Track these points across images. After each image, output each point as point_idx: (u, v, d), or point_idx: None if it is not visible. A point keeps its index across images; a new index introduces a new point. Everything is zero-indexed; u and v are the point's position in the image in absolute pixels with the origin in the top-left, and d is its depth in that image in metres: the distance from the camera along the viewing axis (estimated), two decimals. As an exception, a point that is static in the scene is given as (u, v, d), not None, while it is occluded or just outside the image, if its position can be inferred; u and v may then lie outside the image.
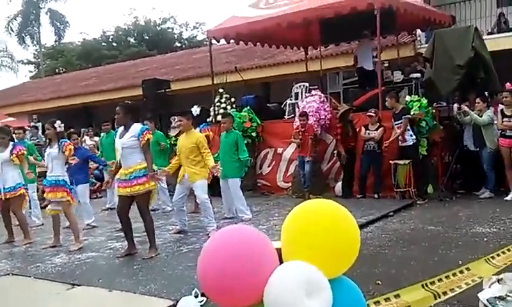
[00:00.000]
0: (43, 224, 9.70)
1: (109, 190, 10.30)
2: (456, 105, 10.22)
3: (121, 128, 6.74)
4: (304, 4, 11.20)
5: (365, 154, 10.11)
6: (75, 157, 7.81)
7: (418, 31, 14.10)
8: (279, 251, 1.88)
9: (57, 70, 38.10)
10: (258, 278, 1.73)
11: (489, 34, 13.99)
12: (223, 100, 12.66)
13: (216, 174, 7.85)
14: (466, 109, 9.52)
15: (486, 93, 9.94)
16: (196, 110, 10.23)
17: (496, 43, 12.46)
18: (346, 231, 1.89)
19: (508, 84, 10.02)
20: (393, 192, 9.73)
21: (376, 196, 9.95)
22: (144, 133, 6.55)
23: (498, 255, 2.84)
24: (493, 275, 3.18)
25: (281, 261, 1.84)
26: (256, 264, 1.73)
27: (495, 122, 9.31)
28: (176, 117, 8.73)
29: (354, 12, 10.36)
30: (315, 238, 1.82)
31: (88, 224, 9.14)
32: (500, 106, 9.40)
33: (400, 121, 9.60)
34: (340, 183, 10.58)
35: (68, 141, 7.75)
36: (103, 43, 40.10)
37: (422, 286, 2.95)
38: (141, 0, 64.86)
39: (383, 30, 10.79)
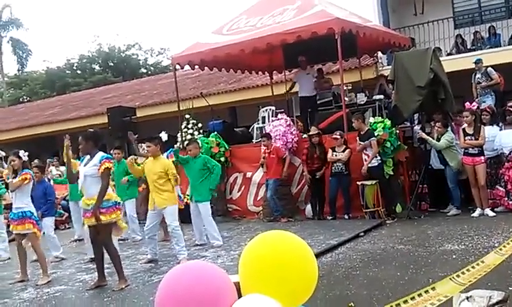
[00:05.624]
0: (10, 258, 9.45)
1: (76, 221, 10.09)
2: (416, 128, 10.43)
3: (88, 156, 6.69)
4: (267, 30, 11.35)
5: (334, 176, 10.22)
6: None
7: (380, 53, 14.42)
8: (237, 284, 1.87)
9: (21, 99, 37.47)
10: None
11: (448, 55, 14.42)
12: (189, 126, 12.65)
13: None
14: (423, 136, 9.72)
15: (449, 113, 10.15)
16: (164, 136, 10.18)
17: (455, 63, 12.83)
18: (303, 261, 1.88)
19: (467, 103, 10.29)
20: (363, 213, 9.86)
21: (346, 216, 10.06)
22: (103, 161, 6.48)
23: (463, 273, 2.90)
24: (461, 293, 3.23)
25: (240, 295, 1.84)
26: (213, 301, 1.72)
27: (456, 142, 9.51)
28: (144, 144, 8.65)
29: (316, 37, 10.56)
30: (273, 271, 1.80)
31: (56, 257, 8.95)
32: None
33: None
34: (309, 206, 10.66)
35: (28, 171, 7.58)
36: (67, 71, 39.57)
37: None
38: (105, 27, 64.61)
39: (345, 53, 11.01)
